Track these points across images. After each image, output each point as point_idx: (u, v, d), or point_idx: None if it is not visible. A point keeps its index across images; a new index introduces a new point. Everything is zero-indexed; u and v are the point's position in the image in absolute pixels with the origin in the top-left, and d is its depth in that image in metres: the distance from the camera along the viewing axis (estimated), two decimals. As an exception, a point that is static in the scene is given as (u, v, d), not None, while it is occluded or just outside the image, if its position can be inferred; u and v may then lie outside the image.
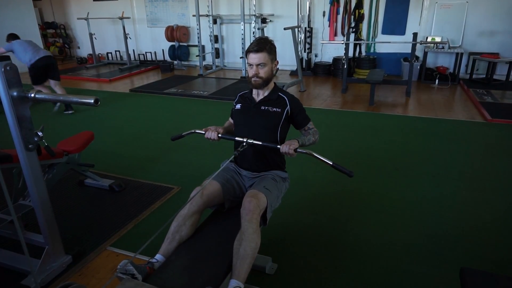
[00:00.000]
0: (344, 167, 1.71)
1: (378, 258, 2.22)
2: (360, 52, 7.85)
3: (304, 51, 8.23)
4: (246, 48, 8.22)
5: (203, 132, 1.96)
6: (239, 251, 1.63)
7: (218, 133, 1.93)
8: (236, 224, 1.75)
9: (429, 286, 2.00)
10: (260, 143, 1.84)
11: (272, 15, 8.33)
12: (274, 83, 2.04)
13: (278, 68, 2.00)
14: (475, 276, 1.49)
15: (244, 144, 1.84)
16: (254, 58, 1.86)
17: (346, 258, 2.24)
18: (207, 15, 8.48)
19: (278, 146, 1.79)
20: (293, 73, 8.06)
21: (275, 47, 1.93)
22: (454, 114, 5.16)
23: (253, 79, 1.90)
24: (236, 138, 1.90)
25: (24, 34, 8.91)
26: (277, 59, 1.97)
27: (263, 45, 1.86)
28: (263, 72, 1.89)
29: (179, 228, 1.78)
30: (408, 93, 6.16)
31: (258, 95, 2.01)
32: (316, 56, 8.45)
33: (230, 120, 2.19)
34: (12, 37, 5.17)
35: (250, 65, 1.89)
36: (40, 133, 1.84)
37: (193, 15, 8.22)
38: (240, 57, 7.99)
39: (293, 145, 1.75)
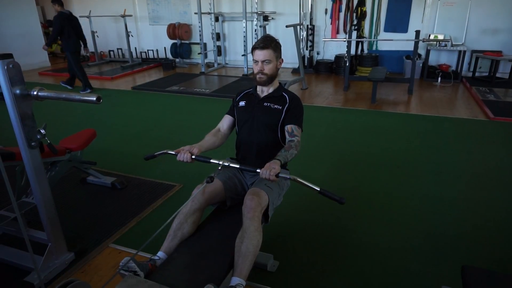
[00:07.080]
0: (333, 194, 1.49)
1: (380, 256, 2.23)
2: (362, 49, 7.84)
3: (306, 49, 8.21)
4: (248, 46, 8.18)
5: (175, 154, 1.81)
6: (241, 248, 1.64)
7: (192, 155, 1.77)
8: (238, 221, 1.75)
9: (431, 284, 2.00)
10: (238, 166, 1.73)
11: (274, 12, 8.31)
12: (279, 82, 2.05)
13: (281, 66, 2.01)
14: (477, 274, 1.49)
15: (220, 168, 1.71)
16: (259, 54, 1.89)
17: (347, 256, 2.24)
18: (209, 13, 8.46)
19: (258, 170, 1.61)
20: (295, 71, 8.05)
21: (280, 45, 1.96)
22: (456, 112, 5.14)
23: (258, 75, 1.93)
24: (212, 161, 1.74)
25: (26, 32, 9.05)
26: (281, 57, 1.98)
27: (269, 42, 1.89)
28: (268, 69, 1.91)
29: (181, 225, 1.79)
30: (410, 91, 6.15)
31: (263, 92, 2.03)
32: (318, 53, 8.43)
33: (224, 121, 2.10)
34: None
35: (256, 61, 1.91)
36: (42, 131, 1.86)
37: (195, 13, 8.21)
38: (242, 55, 7.98)
39: (274, 170, 1.57)
